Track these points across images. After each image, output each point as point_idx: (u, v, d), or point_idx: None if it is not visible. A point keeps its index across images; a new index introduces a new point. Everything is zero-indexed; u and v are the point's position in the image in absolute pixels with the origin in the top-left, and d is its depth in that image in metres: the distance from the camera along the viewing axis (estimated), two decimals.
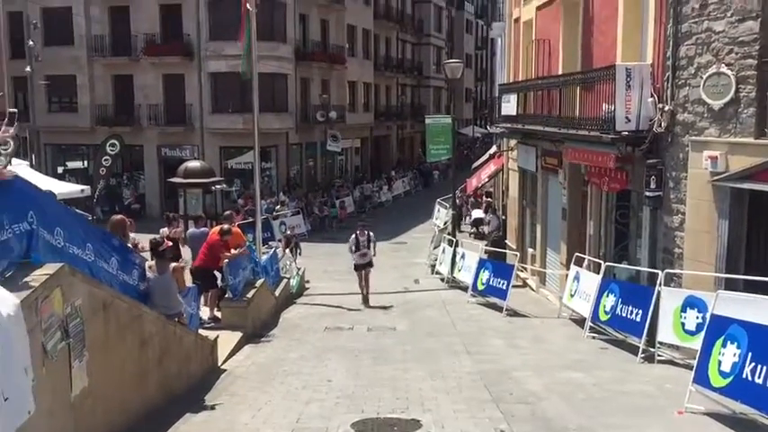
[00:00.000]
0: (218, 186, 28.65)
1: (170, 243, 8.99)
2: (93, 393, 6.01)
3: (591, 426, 7.30)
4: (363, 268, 16.77)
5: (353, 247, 16.74)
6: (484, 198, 27.85)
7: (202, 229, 14.36)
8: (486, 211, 24.91)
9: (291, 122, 35.94)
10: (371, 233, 17.16)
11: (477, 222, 26.28)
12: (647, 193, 11.30)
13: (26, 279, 5.16)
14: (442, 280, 20.32)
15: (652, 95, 11.31)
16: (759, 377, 6.73)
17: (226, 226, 13.18)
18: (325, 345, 12.32)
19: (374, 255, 17.11)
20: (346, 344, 12.43)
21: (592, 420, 7.54)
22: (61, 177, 31.71)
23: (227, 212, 16.20)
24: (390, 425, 7.38)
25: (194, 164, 29.70)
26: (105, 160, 29.48)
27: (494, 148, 26.55)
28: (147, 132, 34.89)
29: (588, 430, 7.16)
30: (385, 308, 16.33)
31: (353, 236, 16.84)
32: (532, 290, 18.11)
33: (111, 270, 7.56)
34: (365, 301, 16.69)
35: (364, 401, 8.40)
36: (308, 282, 20.21)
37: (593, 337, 11.99)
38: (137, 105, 35.09)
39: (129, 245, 9.41)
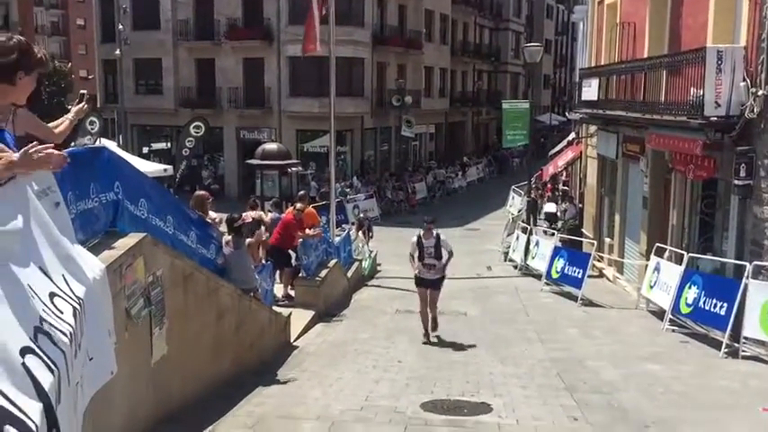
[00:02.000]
0: (293, 169, 29.12)
1: (248, 219, 9.15)
2: (171, 360, 6.18)
3: (670, 420, 7.05)
4: (429, 286, 11.08)
5: (415, 254, 11.06)
6: (558, 189, 27.05)
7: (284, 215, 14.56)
8: (562, 200, 24.33)
9: (367, 107, 36.07)
10: (443, 236, 11.16)
11: (550, 218, 24.00)
12: (736, 182, 10.77)
13: (112, 246, 5.34)
14: (515, 267, 20.03)
15: (744, 79, 10.75)
16: None
17: (299, 205, 13.35)
18: (396, 326, 12.34)
19: (445, 264, 11.12)
20: (417, 327, 12.40)
21: (672, 414, 7.27)
22: (146, 157, 32.82)
23: (302, 192, 16.39)
24: (460, 407, 7.32)
25: (271, 146, 30.28)
26: (189, 141, 30.29)
27: (572, 135, 25.90)
28: (227, 115, 35.71)
29: (668, 424, 6.91)
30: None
31: (415, 238, 11.07)
32: (609, 280, 17.64)
33: (191, 243, 7.76)
34: (427, 335, 11.08)
35: (434, 383, 8.37)
36: (379, 265, 20.30)
37: (673, 330, 11.57)
38: (218, 88, 35.95)
39: (209, 220, 9.64)
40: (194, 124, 30.00)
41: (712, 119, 10.89)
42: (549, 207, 23.83)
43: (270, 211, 14.00)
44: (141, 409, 5.72)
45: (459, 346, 10.67)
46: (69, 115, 3.82)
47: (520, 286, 17.20)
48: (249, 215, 9.52)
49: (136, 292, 5.44)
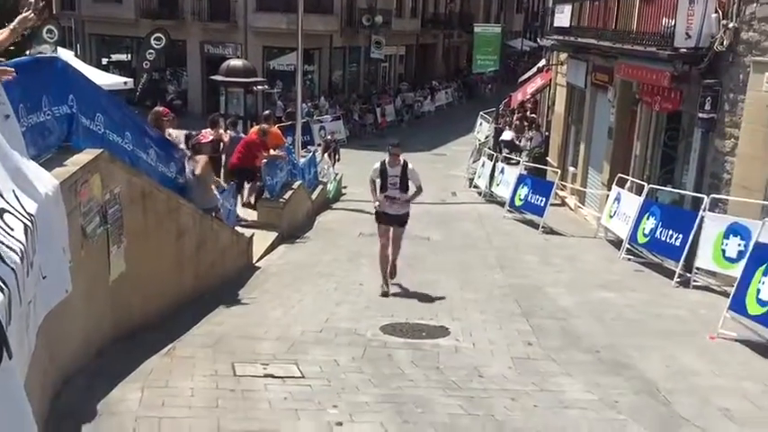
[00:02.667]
0: (259, 87, 28.46)
1: (206, 138, 8.96)
2: (130, 279, 6.13)
3: (620, 345, 7.28)
4: (392, 222, 9.35)
5: (377, 182, 9.36)
6: (525, 117, 26.73)
7: (242, 135, 14.32)
8: (529, 128, 24.25)
9: (336, 25, 35.14)
10: (411, 165, 9.30)
11: (508, 145, 22.01)
12: (701, 115, 10.84)
13: (66, 162, 5.18)
14: (480, 194, 20.16)
15: (716, 11, 10.66)
16: None
17: (264, 125, 13.13)
18: (358, 250, 12.40)
19: (411, 198, 9.37)
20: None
21: (622, 340, 7.50)
22: (105, 69, 31.71)
23: (267, 112, 16.09)
24: (419, 330, 7.46)
25: (236, 62, 29.43)
26: (149, 54, 29.35)
27: (542, 62, 25.67)
28: (191, 28, 34.47)
29: (617, 349, 7.14)
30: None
31: (378, 164, 9.26)
32: (571, 209, 17.88)
33: (150, 161, 7.60)
34: (386, 284, 9.24)
35: (394, 307, 8.48)
36: (345, 187, 20.23)
37: (629, 259, 11.85)
38: None
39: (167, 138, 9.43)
40: (155, 36, 28.98)
41: (682, 50, 10.86)
42: (506, 135, 22.83)
43: (228, 129, 13.74)
44: (99, 327, 5.70)
45: (420, 270, 10.79)
46: (13, 24, 3.62)
47: (483, 213, 17.35)
48: (208, 133, 9.30)
49: (92, 209, 5.32)
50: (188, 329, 6.83)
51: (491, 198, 19.08)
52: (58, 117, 5.42)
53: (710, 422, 5.30)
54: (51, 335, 4.27)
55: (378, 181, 9.30)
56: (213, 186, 9.31)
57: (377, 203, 9.30)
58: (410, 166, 9.24)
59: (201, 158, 8.67)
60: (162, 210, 7.10)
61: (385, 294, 9.04)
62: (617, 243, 12.80)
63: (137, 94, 27.07)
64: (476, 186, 21.13)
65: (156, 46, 29.00)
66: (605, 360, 6.82)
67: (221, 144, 12.29)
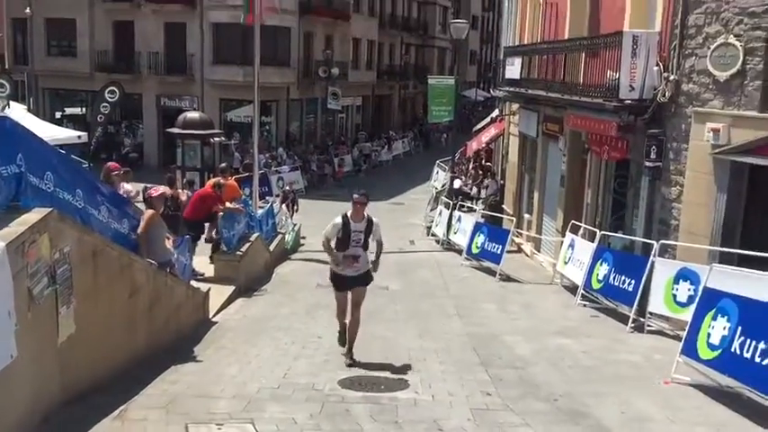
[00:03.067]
0: (216, 139, 28.42)
1: (156, 192, 8.89)
2: (80, 341, 5.98)
3: (577, 393, 7.33)
4: (352, 285, 8.27)
5: (333, 240, 8.08)
6: (480, 166, 27.19)
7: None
8: (485, 176, 24.67)
9: (293, 77, 35.55)
10: (375, 219, 8.28)
11: (458, 193, 22.03)
12: (647, 163, 11.19)
13: (13, 223, 5.09)
14: (438, 242, 20.30)
15: (658, 64, 11.13)
16: (747, 352, 6.73)
17: (220, 178, 13.11)
18: (317, 301, 12.31)
19: (375, 259, 8.39)
20: None
21: (579, 387, 7.56)
22: (59, 123, 31.41)
23: (223, 165, 16.07)
24: (377, 383, 7.40)
25: (193, 115, 29.41)
26: (104, 107, 29.21)
27: (495, 112, 26.28)
28: (147, 81, 34.49)
29: (574, 397, 7.19)
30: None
31: (339, 219, 8.03)
32: (527, 256, 18.11)
33: (102, 218, 7.50)
34: (350, 353, 8.25)
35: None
36: (303, 238, 20.18)
37: (585, 305, 12.01)
38: (137, 53, 34.61)
39: (122, 193, 9.35)
40: (109, 89, 28.91)
41: (626, 101, 11.25)
42: (456, 183, 22.76)
43: (185, 188, 13.72)
44: (47, 391, 5.53)
45: (379, 320, 10.76)
46: None
47: (441, 261, 17.46)
48: (160, 189, 9.24)
49: (40, 270, 5.22)
50: (141, 390, 6.66)
51: (448, 246, 19.23)
52: (5, 177, 5.36)
53: None
54: None
55: (334, 239, 7.96)
56: (167, 241, 9.20)
57: (335, 264, 8.03)
58: (375, 220, 8.07)
59: (147, 212, 8.57)
60: (114, 268, 6.99)
61: (350, 365, 7.93)
62: (572, 289, 12.97)
63: (91, 148, 26.81)
64: (433, 234, 21.29)
65: (110, 99, 28.90)
66: (563, 408, 6.85)
67: (179, 202, 12.22)
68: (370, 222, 8.06)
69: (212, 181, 13.49)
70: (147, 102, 35.13)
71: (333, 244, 8.02)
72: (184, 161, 28.17)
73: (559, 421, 6.49)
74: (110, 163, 9.68)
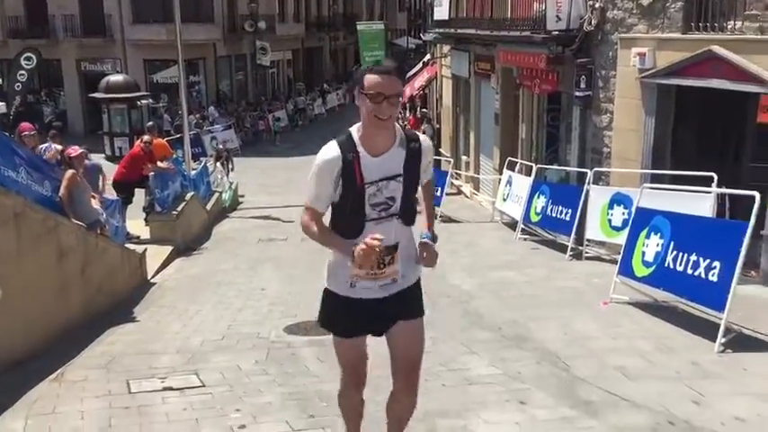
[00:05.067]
0: (143, 101, 27.57)
1: (75, 153, 8.52)
2: (9, 306, 5.72)
3: (521, 320, 7.44)
4: (385, 323, 3.35)
5: (338, 204, 3.17)
6: (416, 111, 27.29)
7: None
8: (421, 122, 24.65)
9: (218, 33, 34.48)
10: (425, 138, 3.34)
11: None
12: (577, 93, 11.30)
13: None
14: None
15: None
16: (680, 265, 6.92)
17: (147, 137, 12.69)
18: (259, 256, 12.18)
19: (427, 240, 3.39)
20: (281, 254, 12.31)
21: (522, 315, 7.67)
22: None
23: (150, 123, 15.55)
24: None
25: (117, 78, 28.43)
26: (21, 75, 27.90)
27: (427, 56, 26.11)
28: (64, 45, 32.93)
29: (518, 324, 7.29)
30: None
31: (335, 149, 3.14)
32: (467, 197, 18.27)
33: (21, 180, 7.15)
34: None
35: (298, 307, 8.33)
36: (242, 196, 19.86)
37: (525, 239, 12.19)
38: (50, 16, 32.92)
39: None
40: (25, 56, 27.61)
41: (554, 33, 11.28)
42: None
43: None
44: None
45: (323, 269, 10.66)
46: None
47: None
48: (79, 149, 8.85)
49: None
50: (78, 353, 6.45)
51: None
52: None
53: (607, 381, 5.47)
54: None
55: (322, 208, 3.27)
56: (93, 200, 8.85)
57: (347, 281, 3.31)
58: (424, 138, 3.39)
59: (68, 173, 8.21)
60: (38, 230, 6.68)
61: None
62: (512, 225, 13.15)
63: (10, 118, 25.62)
64: None
65: (26, 66, 27.60)
66: (507, 335, 6.95)
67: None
68: (413, 148, 3.24)
69: (139, 141, 13.04)
70: (67, 67, 33.64)
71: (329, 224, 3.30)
72: (111, 127, 27.29)
73: (504, 347, 6.58)
74: (22, 124, 9.19)
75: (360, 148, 3.14)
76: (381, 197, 3.19)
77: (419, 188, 3.42)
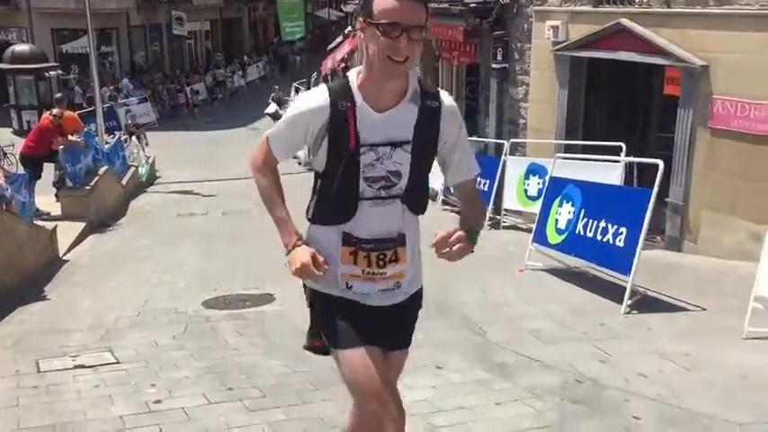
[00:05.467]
0: (52, 72, 26.36)
1: None
2: None
3: (438, 287, 7.52)
4: (381, 335, 2.53)
5: (321, 171, 2.51)
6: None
7: None
8: None
9: (131, 2, 33.16)
10: (447, 96, 2.50)
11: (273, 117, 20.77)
12: (494, 65, 11.49)
13: None
14: (299, 163, 20.08)
15: None
16: (590, 231, 7.20)
17: (56, 110, 12.15)
18: (177, 230, 11.93)
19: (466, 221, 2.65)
20: (200, 228, 12.08)
21: (439, 286, 7.77)
22: None
23: (59, 95, 14.90)
24: (243, 300, 7.30)
25: (23, 47, 27.11)
26: None
27: (348, 28, 25.92)
28: None
29: (435, 291, 7.34)
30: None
31: (320, 95, 2.38)
32: None
33: None
34: None
35: (217, 281, 8.22)
36: (158, 170, 19.35)
37: (444, 209, 12.36)
38: None
39: None
40: None
41: (471, 5, 11.40)
42: (271, 107, 21.18)
43: None
44: None
45: (244, 245, 10.55)
46: None
47: (304, 179, 17.31)
48: None
49: None
50: None
51: (311, 167, 19.05)
52: None
53: (521, 344, 5.66)
54: None
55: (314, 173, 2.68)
56: None
57: (345, 274, 2.56)
58: (446, 97, 2.56)
59: None
60: None
61: None
62: (433, 196, 13.28)
63: None
64: (296, 157, 21.02)
65: None
66: (425, 302, 7.06)
67: None
68: (429, 107, 2.48)
69: (48, 113, 12.48)
70: None
71: (312, 205, 2.65)
72: (18, 99, 26.04)
73: (421, 314, 6.68)
74: None
75: (358, 98, 2.32)
76: (381, 170, 2.38)
77: (455, 185, 2.64)
